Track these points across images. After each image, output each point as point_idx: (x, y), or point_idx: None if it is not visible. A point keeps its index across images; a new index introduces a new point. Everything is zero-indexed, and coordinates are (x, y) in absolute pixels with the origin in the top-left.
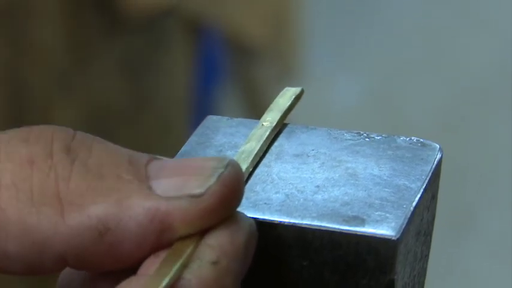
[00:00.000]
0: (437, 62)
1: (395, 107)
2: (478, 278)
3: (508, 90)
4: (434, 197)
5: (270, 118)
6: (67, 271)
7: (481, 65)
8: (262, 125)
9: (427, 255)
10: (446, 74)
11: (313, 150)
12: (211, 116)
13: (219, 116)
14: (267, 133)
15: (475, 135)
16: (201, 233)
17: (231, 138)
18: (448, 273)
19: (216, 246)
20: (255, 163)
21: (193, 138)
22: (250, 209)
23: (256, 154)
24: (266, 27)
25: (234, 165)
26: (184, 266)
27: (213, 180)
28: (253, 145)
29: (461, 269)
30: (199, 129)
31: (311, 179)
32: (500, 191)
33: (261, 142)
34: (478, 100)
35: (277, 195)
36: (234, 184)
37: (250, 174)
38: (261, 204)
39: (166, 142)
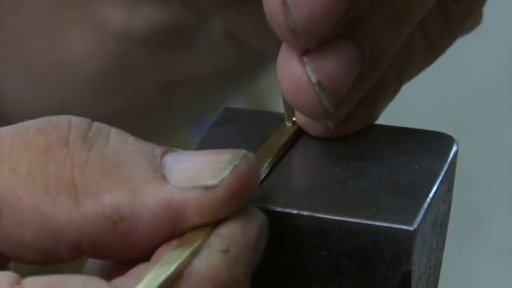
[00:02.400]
0: (441, 64)
1: (399, 109)
2: (482, 279)
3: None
4: (450, 190)
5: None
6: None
7: (485, 68)
8: (291, 121)
9: (442, 248)
10: (450, 76)
11: (335, 143)
12: (227, 107)
13: (236, 108)
14: (294, 129)
15: (479, 137)
16: (214, 224)
17: (249, 131)
18: (452, 274)
19: (227, 235)
20: (277, 158)
21: (210, 130)
22: (269, 200)
23: (279, 149)
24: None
25: (249, 158)
26: (194, 254)
27: (227, 172)
28: (278, 140)
29: (466, 269)
30: (217, 121)
31: (331, 171)
32: (505, 193)
33: (286, 138)
34: (481, 102)
35: (297, 186)
36: (248, 176)
37: (273, 167)
38: (280, 195)
39: (169, 138)
